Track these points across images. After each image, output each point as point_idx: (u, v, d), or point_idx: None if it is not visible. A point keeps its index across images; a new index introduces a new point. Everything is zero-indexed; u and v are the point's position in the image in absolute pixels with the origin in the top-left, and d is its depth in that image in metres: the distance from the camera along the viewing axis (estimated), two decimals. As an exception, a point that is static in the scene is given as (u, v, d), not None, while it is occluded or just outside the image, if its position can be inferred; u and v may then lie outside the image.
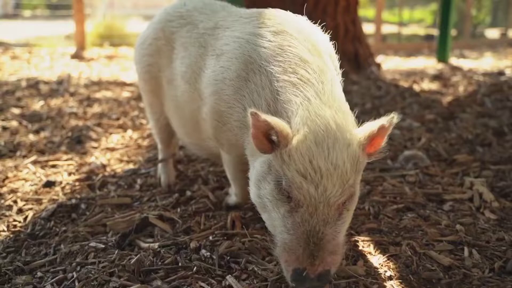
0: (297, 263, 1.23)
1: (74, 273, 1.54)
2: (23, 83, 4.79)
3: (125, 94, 4.43)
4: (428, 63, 6.77)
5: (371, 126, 1.29)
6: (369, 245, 1.67)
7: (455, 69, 6.06)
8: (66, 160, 2.61)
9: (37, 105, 3.88)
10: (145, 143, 2.94)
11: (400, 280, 1.46)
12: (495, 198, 2.06)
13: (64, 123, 3.35)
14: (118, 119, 3.50)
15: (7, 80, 5.02)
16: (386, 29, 14.08)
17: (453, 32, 13.40)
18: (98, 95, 4.34)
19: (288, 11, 5.30)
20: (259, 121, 1.25)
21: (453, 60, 7.03)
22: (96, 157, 2.65)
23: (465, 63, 6.72)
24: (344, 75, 5.00)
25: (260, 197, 1.39)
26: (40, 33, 10.82)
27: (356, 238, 1.72)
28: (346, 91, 4.35)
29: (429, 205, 2.02)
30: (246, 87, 1.52)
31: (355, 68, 5.53)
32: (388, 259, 1.57)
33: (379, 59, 7.09)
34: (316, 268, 1.22)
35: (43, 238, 1.80)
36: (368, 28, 11.70)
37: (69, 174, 2.42)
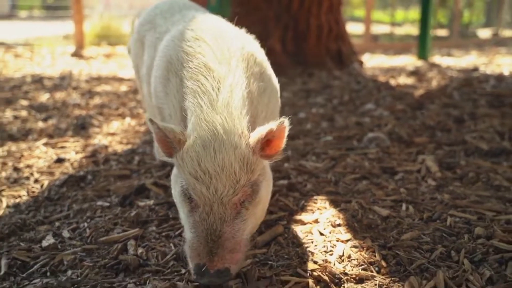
0: (198, 259, 1.31)
1: (85, 223, 1.90)
2: (28, 79, 5.16)
3: (123, 88, 4.80)
4: (410, 61, 7.15)
5: (261, 130, 1.37)
6: (325, 202, 2.04)
7: (433, 66, 6.44)
8: (73, 142, 2.98)
9: (43, 97, 4.25)
10: (142, 129, 3.30)
11: (346, 226, 1.83)
12: (439, 170, 2.43)
13: (69, 113, 3.72)
14: (117, 109, 3.87)
15: (12, 76, 5.39)
16: (380, 29, 14.48)
17: (444, 32, 13.81)
18: (98, 89, 4.71)
19: (274, 11, 5.66)
20: (155, 128, 1.38)
21: (437, 58, 7.42)
22: (99, 140, 3.02)
23: (447, 61, 7.11)
24: (327, 71, 5.33)
25: (174, 197, 1.52)
26: (38, 33, 11.13)
27: (315, 197, 2.09)
28: (327, 85, 4.70)
29: (382, 176, 2.38)
30: (167, 86, 1.64)
31: (338, 64, 5.90)
32: (339, 212, 1.94)
33: (365, 57, 7.48)
34: (215, 264, 1.29)
35: (58, 200, 2.16)
36: (360, 28, 12.09)
37: (76, 152, 2.78)
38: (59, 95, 4.35)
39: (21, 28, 12.54)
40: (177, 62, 1.61)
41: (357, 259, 1.59)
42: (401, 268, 1.54)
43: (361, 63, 6.24)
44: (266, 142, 1.37)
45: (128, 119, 3.56)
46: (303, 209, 1.99)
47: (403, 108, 3.80)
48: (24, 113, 3.68)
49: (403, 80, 5.25)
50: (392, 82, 5.10)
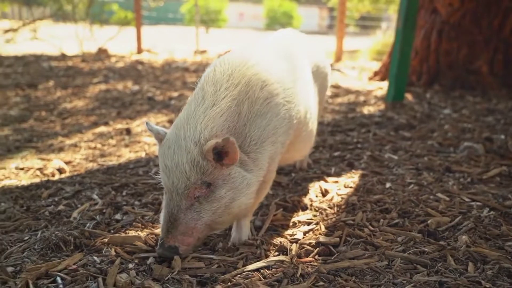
0: (161, 234, 1.73)
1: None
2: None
3: (328, 93, 5.90)
4: None
5: (211, 142, 1.60)
6: (357, 175, 2.80)
7: None
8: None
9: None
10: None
11: (352, 188, 2.59)
12: (494, 177, 2.82)
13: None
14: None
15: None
16: None
17: None
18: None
19: (484, 35, 5.98)
20: (148, 128, 1.81)
21: None
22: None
23: None
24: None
25: None
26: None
27: (355, 171, 2.86)
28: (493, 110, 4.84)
29: (437, 171, 2.92)
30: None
31: (554, 89, 5.81)
32: (358, 180, 2.70)
33: None
34: (168, 240, 1.69)
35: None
36: None
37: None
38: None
39: (332, 43, 13.62)
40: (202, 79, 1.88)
41: (332, 202, 2.40)
42: (352, 210, 2.29)
43: None
44: (225, 153, 1.63)
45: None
46: (338, 175, 2.81)
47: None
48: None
49: None
50: None
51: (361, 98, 5.55)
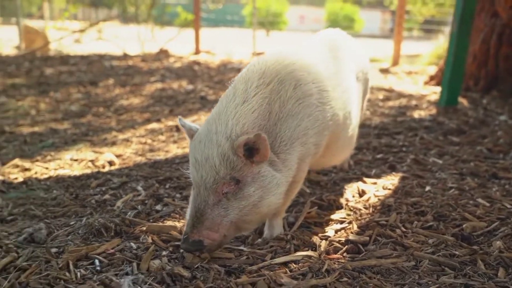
0: (186, 229, 1.68)
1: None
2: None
3: (380, 96, 5.85)
4: None
5: (243, 137, 1.60)
6: (397, 177, 2.78)
7: None
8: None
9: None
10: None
11: (391, 190, 2.58)
12: (541, 183, 2.74)
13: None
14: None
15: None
16: None
17: None
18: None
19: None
20: (180, 124, 1.83)
21: None
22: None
23: None
24: None
25: None
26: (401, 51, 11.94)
27: (396, 173, 2.84)
28: None
29: (482, 177, 2.86)
30: None
31: None
32: (398, 182, 2.68)
33: None
34: (193, 235, 1.63)
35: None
36: None
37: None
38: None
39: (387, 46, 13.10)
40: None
41: (368, 202, 2.41)
42: (387, 212, 2.29)
43: None
44: (256, 150, 1.61)
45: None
46: (378, 176, 2.80)
47: None
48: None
49: None
50: None
51: (413, 102, 5.45)
